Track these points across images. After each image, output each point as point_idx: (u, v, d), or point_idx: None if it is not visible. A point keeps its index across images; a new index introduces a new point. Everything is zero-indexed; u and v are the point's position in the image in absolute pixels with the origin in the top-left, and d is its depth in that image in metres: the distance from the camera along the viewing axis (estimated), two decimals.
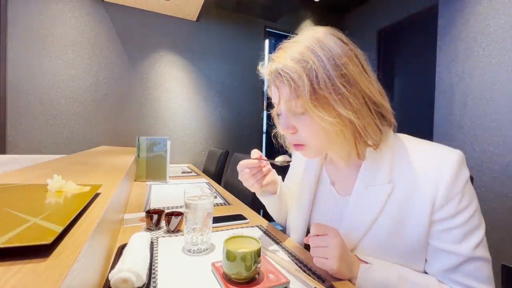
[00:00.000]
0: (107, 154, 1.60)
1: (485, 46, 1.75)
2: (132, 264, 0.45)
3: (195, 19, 2.64)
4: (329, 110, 0.48)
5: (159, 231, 0.73)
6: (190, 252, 0.60)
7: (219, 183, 1.93)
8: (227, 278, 0.48)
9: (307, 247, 0.63)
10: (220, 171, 2.06)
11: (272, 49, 3.11)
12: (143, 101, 2.51)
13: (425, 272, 0.52)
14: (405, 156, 0.53)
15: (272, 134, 0.68)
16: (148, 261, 0.51)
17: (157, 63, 2.56)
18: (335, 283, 0.49)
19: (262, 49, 3.04)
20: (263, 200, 0.75)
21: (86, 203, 0.47)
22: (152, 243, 0.62)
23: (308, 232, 0.66)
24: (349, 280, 0.51)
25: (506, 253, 1.58)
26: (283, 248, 0.65)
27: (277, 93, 0.53)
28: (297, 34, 0.55)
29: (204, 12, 2.49)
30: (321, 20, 3.30)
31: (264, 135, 3.11)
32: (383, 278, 0.48)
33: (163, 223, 0.76)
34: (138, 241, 0.55)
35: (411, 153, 0.53)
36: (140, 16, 2.46)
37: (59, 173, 0.57)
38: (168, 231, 0.72)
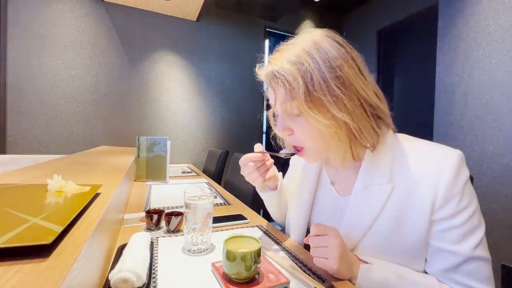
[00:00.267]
0: (107, 154, 1.60)
1: (485, 46, 1.75)
2: (132, 264, 0.45)
3: (195, 19, 2.64)
4: (324, 112, 0.49)
5: (159, 231, 0.73)
6: (190, 252, 0.60)
7: (219, 183, 1.93)
8: (227, 278, 0.48)
9: (307, 247, 0.63)
10: (220, 171, 2.06)
11: (272, 49, 3.10)
12: (143, 101, 2.51)
13: (425, 272, 0.52)
14: (405, 156, 0.53)
15: (271, 135, 0.68)
16: (148, 261, 0.51)
17: (157, 63, 2.55)
18: (335, 283, 0.49)
19: (262, 49, 3.04)
20: (264, 196, 0.75)
21: (86, 203, 0.47)
22: (152, 243, 0.62)
23: (308, 232, 0.66)
24: (349, 280, 0.51)
25: (506, 253, 1.58)
26: (283, 248, 0.65)
27: (274, 95, 0.53)
28: (297, 34, 0.56)
29: (204, 12, 2.49)
30: (321, 20, 3.30)
31: (264, 135, 3.12)
32: (383, 278, 0.48)
33: (163, 223, 0.76)
34: (138, 241, 0.55)
35: (411, 153, 0.53)
36: (140, 16, 2.46)
37: (59, 173, 0.57)
38: (168, 231, 0.72)
